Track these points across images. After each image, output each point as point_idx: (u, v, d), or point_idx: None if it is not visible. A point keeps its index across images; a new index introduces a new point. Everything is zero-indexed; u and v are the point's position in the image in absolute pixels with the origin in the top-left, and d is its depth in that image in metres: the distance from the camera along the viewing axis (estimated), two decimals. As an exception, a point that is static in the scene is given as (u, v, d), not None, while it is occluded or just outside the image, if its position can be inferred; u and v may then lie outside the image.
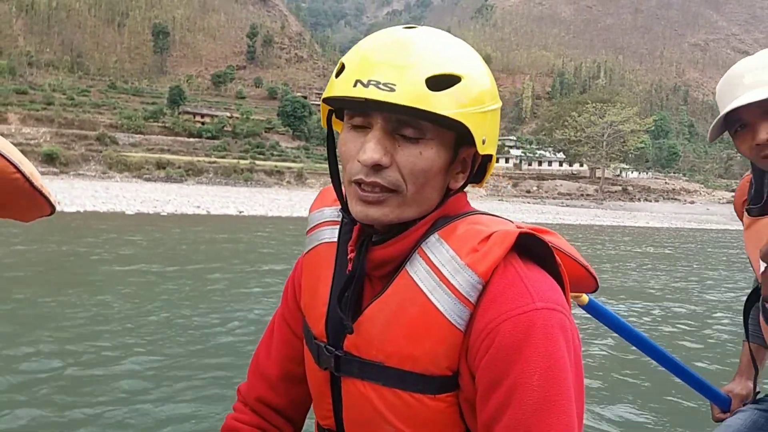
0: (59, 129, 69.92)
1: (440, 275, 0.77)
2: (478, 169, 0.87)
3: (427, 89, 0.73)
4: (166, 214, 24.98)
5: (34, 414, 3.83)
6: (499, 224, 0.80)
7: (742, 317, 1.62)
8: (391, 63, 0.74)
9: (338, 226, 0.92)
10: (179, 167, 60.94)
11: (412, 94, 0.72)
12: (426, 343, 0.77)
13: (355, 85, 0.74)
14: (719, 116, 1.33)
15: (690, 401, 4.56)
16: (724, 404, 1.63)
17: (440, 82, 0.74)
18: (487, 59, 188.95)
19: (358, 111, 0.78)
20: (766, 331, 1.49)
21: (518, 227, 0.79)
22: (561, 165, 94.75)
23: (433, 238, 0.80)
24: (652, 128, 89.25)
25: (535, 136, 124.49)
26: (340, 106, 0.83)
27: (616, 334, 1.55)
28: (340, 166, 0.86)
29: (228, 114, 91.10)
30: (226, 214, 26.97)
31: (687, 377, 1.56)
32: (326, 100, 0.83)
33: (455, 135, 0.79)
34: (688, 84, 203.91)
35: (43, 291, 7.89)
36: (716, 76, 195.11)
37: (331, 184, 0.93)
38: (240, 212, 28.36)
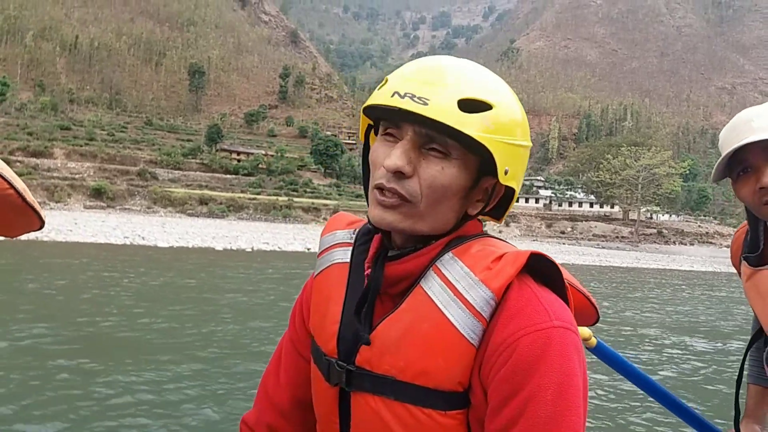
0: (102, 164, 71.90)
1: (455, 290, 0.79)
2: (500, 203, 0.89)
3: (457, 109, 0.77)
4: (251, 249, 26.04)
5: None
6: (510, 247, 0.84)
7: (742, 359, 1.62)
8: (428, 81, 0.79)
9: (350, 248, 0.94)
10: (221, 203, 62.15)
11: (443, 110, 0.77)
12: (439, 358, 0.78)
13: (392, 96, 0.79)
14: (725, 154, 1.31)
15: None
16: None
17: (471, 106, 0.78)
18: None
19: (392, 121, 0.82)
20: None
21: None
22: (591, 206, 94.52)
23: (447, 256, 0.83)
24: (687, 172, 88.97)
25: (563, 177, 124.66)
26: (377, 116, 0.87)
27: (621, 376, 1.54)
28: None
29: (263, 152, 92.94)
30: (296, 251, 27.82)
31: (695, 422, 1.53)
32: (366, 110, 0.86)
33: (479, 161, 0.82)
34: (716, 127, 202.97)
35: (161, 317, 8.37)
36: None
37: (342, 213, 1.00)
38: (308, 249, 29.20)
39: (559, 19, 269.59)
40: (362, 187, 0.91)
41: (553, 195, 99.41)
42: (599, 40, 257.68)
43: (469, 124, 0.77)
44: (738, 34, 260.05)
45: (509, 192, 0.88)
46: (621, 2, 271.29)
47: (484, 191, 0.86)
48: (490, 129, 0.79)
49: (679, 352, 10.04)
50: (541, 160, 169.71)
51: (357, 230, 0.95)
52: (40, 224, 0.91)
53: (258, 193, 71.41)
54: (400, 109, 0.78)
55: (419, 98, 0.77)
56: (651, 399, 1.55)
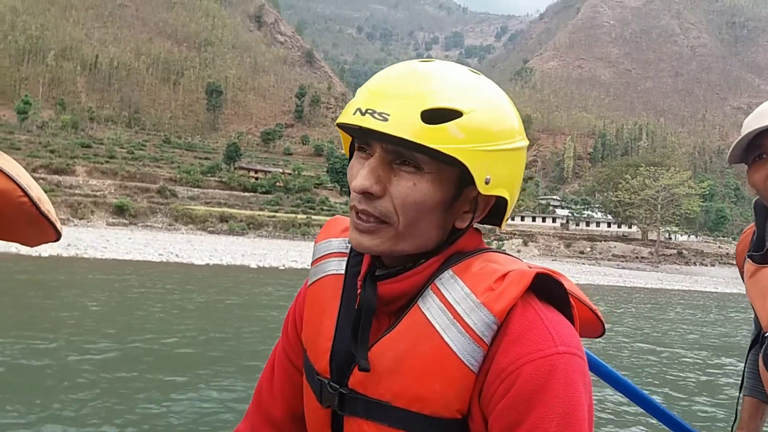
0: (122, 181, 72.81)
1: (454, 313, 0.75)
2: (493, 211, 0.84)
3: (421, 122, 0.72)
4: (283, 267, 26.30)
5: None
6: (513, 263, 0.80)
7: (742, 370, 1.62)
8: (390, 93, 0.74)
9: (346, 258, 0.90)
10: (241, 221, 62.60)
11: (404, 125, 0.72)
12: (436, 384, 0.74)
13: (354, 113, 0.75)
14: (744, 135, 1.32)
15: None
16: None
17: (437, 116, 0.73)
18: (528, 120, 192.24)
19: (361, 138, 0.79)
20: (766, 379, 1.46)
21: (530, 266, 0.78)
22: (609, 226, 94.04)
23: (447, 274, 0.79)
24: (707, 192, 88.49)
25: (580, 197, 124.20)
26: (348, 134, 0.83)
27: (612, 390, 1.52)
28: None
29: (280, 170, 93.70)
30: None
31: None
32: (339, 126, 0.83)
33: (458, 172, 0.77)
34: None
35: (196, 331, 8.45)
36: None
37: (339, 217, 0.97)
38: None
39: (573, 39, 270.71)
40: None
41: (570, 214, 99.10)
42: (613, 60, 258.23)
43: (434, 137, 0.72)
44: (753, 54, 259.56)
45: (502, 199, 0.82)
46: (634, 22, 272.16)
47: (470, 202, 0.81)
48: (459, 138, 0.73)
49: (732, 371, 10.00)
50: (557, 179, 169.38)
51: None
52: (56, 236, 0.88)
53: (276, 211, 71.90)
54: (360, 127, 0.75)
55: (379, 114, 0.73)
56: (642, 410, 1.51)
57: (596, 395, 6.54)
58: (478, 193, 0.78)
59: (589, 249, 76.71)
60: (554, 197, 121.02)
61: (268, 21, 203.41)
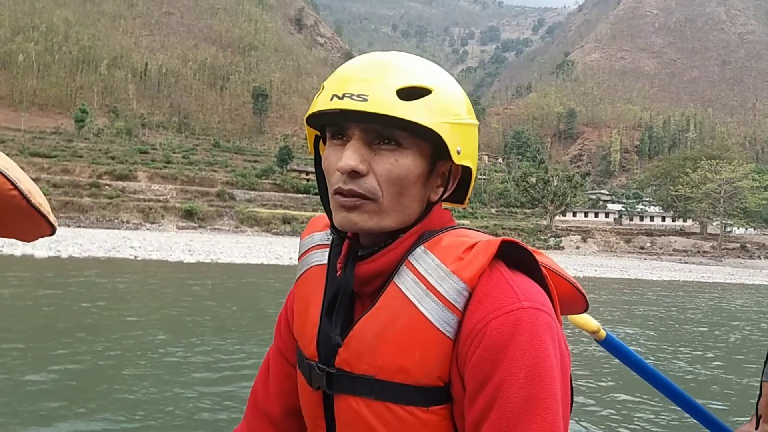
0: (183, 186, 74.73)
1: (427, 284, 0.78)
2: (459, 185, 0.90)
3: (398, 99, 0.77)
4: None
5: None
6: (482, 236, 0.83)
7: None
8: (362, 78, 0.79)
9: (328, 249, 0.93)
10: (302, 222, 63.75)
11: (383, 103, 0.76)
12: (416, 354, 0.77)
13: (331, 99, 0.79)
14: None
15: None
16: None
17: (411, 93, 0.78)
18: (572, 113, 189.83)
19: (337, 125, 0.82)
20: None
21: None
22: (663, 220, 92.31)
23: (419, 249, 0.82)
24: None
25: (629, 191, 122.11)
26: (322, 123, 0.85)
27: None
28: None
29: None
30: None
31: (703, 418, 1.52)
32: (310, 121, 0.85)
33: (432, 146, 0.82)
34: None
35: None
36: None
37: (321, 215, 0.99)
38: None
39: (615, 31, 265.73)
40: (321, 200, 0.91)
41: (623, 209, 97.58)
42: (657, 50, 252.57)
43: (413, 112, 0.77)
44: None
45: (466, 173, 0.88)
46: (678, 11, 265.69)
47: (441, 176, 0.86)
48: (434, 112, 0.79)
49: None
50: (603, 173, 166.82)
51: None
52: (51, 229, 0.88)
53: (329, 212, 72.85)
54: (342, 110, 0.78)
55: (358, 96, 0.77)
56: (660, 394, 1.51)
57: (623, 379, 6.78)
58: (451, 165, 0.84)
59: (649, 244, 75.52)
60: (603, 191, 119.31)
61: (308, 23, 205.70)
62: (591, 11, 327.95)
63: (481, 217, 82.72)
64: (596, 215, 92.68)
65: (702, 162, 79.41)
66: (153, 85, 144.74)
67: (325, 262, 0.92)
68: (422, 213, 0.85)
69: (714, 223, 79.84)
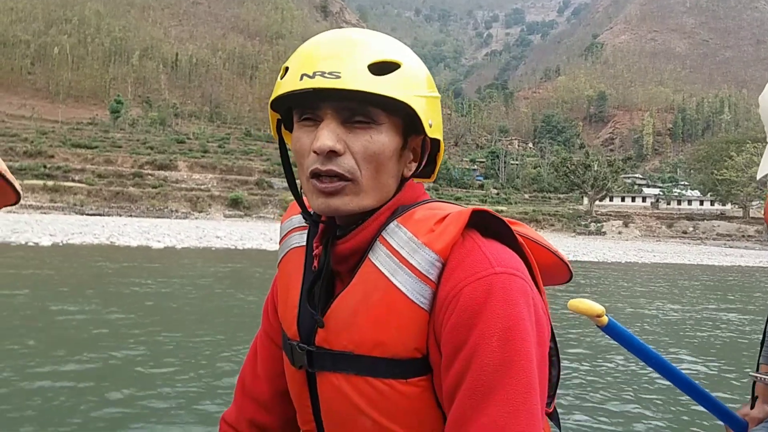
0: (222, 175, 75.59)
1: (400, 257, 0.78)
2: (429, 160, 0.89)
3: (370, 74, 0.76)
4: None
5: None
6: (455, 208, 0.83)
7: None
8: (333, 54, 0.77)
9: (306, 231, 0.93)
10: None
11: (357, 79, 0.75)
12: (392, 327, 0.77)
13: (301, 79, 0.76)
14: None
15: (708, 420, 4.74)
16: (740, 428, 1.59)
17: (382, 68, 0.78)
18: (602, 96, 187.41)
19: (307, 106, 0.80)
20: None
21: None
22: (701, 204, 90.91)
23: (393, 224, 0.82)
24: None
25: (664, 174, 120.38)
26: (289, 105, 0.83)
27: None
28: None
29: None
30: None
31: (704, 400, 1.51)
32: (274, 104, 0.84)
33: (403, 121, 0.82)
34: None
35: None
36: None
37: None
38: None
39: (644, 11, 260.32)
40: (288, 185, 0.91)
41: (660, 193, 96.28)
42: (688, 31, 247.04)
43: (386, 87, 0.77)
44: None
45: (435, 147, 0.88)
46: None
47: (413, 151, 0.86)
48: (405, 86, 0.79)
49: None
50: (636, 157, 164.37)
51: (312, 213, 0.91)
52: (17, 198, 0.88)
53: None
54: (314, 89, 0.76)
55: (330, 73, 0.75)
56: (664, 379, 1.52)
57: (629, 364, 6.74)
58: (423, 139, 0.85)
59: (691, 229, 74.56)
60: (637, 175, 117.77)
61: (333, 11, 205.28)
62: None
63: (515, 203, 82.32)
64: (633, 200, 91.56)
65: (747, 145, 77.90)
66: (184, 75, 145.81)
67: (304, 243, 0.92)
68: (397, 188, 0.85)
69: (755, 206, 78.43)
